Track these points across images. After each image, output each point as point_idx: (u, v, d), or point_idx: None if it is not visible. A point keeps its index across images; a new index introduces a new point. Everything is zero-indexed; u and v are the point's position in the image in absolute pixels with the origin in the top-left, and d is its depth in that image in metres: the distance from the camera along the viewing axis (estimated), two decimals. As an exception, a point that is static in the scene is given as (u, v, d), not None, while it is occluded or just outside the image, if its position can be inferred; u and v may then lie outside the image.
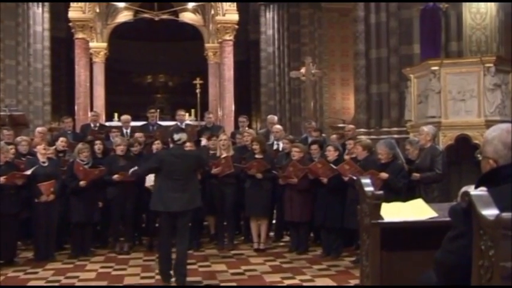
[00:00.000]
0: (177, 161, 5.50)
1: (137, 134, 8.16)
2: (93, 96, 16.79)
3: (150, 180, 6.30)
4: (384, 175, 6.01)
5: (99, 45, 18.13)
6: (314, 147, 7.07)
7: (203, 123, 11.52)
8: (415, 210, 3.60)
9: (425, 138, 6.49)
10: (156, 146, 7.37)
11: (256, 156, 7.16)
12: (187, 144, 6.69)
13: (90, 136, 8.54)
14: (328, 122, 16.86)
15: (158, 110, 14.14)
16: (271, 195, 7.23)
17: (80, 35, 15.90)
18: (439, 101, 7.85)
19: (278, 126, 8.74)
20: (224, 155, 7.15)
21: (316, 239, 7.51)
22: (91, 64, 16.98)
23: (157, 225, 6.70)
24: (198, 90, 16.41)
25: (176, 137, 5.65)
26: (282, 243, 7.63)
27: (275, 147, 8.31)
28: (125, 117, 9.60)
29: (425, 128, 6.59)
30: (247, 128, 8.99)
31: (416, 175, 6.36)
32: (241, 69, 20.09)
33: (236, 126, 12.01)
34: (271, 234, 7.85)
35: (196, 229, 7.44)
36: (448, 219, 2.19)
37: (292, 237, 7.22)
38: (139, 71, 24.08)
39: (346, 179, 6.26)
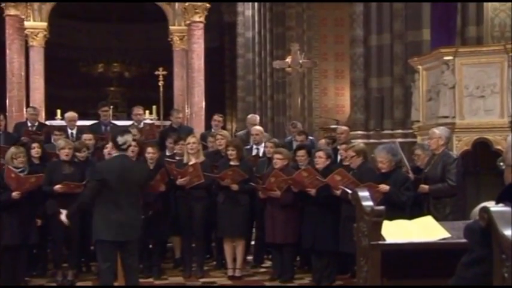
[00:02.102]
0: (121, 174, 5.39)
1: (85, 136, 8.09)
2: (30, 89, 16.53)
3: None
4: (385, 187, 6.05)
5: (36, 25, 17.77)
6: (301, 153, 7.09)
7: (167, 123, 11.45)
8: (423, 230, 3.63)
9: (437, 143, 6.55)
10: (109, 150, 7.29)
11: (232, 163, 7.14)
12: (131, 147, 6.60)
13: (24, 137, 8.41)
14: (318, 122, 16.93)
15: (111, 107, 14.04)
16: (249, 211, 7.22)
17: (11, 11, 15.53)
18: (453, 98, 7.92)
19: (258, 128, 8.75)
20: (192, 161, 7.12)
21: (303, 265, 7.52)
22: (27, 48, 16.69)
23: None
24: (160, 83, 16.28)
25: (120, 140, 5.49)
26: (262, 270, 7.63)
27: (254, 152, 8.31)
28: (70, 114, 9.51)
29: (437, 131, 6.65)
30: (224, 131, 8.97)
31: (424, 187, 6.42)
32: (213, 58, 20.07)
33: (207, 127, 11.98)
34: (249, 258, 7.84)
35: (158, 253, 7.39)
36: (463, 240, 2.21)
37: (275, 262, 7.22)
38: (88, 58, 23.85)
39: (337, 192, 6.27)
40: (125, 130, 5.79)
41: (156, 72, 16.71)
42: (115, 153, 5.62)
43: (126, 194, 5.41)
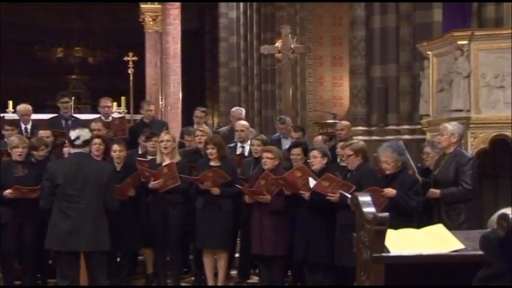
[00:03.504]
0: (76, 174, 5.41)
1: (42, 132, 8.03)
2: (-23, 77, 16.41)
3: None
4: (391, 191, 6.07)
5: (-15, 3, 17.72)
6: (296, 151, 7.08)
7: (138, 116, 11.40)
8: (433, 240, 3.64)
9: (448, 140, 6.57)
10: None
11: (212, 163, 7.14)
12: (96, 145, 6.60)
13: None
14: (312, 117, 16.94)
15: (73, 98, 13.92)
16: (232, 218, 7.22)
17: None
18: (468, 88, 7.96)
19: (243, 123, 8.75)
20: (167, 161, 7.11)
21: (295, 280, 7.52)
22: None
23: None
24: (130, 71, 16.19)
25: (73, 135, 5.54)
26: (247, 286, 7.62)
27: (239, 151, 8.30)
28: (23, 107, 9.43)
29: (449, 126, 6.67)
30: (204, 126, 8.96)
31: (435, 191, 6.44)
32: (191, 42, 20.03)
33: (185, 122, 11.94)
34: (233, 273, 7.84)
35: (127, 267, 7.36)
36: (479, 252, 2.22)
37: (263, 278, 7.21)
38: (45, 41, 23.74)
39: (333, 199, 6.26)
40: (78, 124, 5.81)
41: (125, 58, 16.63)
42: (73, 150, 5.62)
43: (83, 197, 5.42)
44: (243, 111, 10.08)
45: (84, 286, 5.79)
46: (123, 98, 16.61)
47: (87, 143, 5.69)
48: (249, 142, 8.30)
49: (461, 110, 7.93)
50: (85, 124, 6.89)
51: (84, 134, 5.61)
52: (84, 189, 5.45)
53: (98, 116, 9.56)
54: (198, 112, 9.22)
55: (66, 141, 7.29)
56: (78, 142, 5.54)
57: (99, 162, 6.47)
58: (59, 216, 5.39)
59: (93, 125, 8.04)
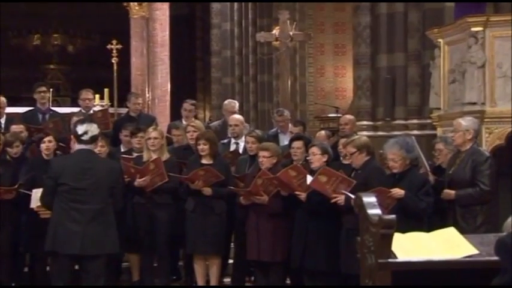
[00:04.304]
0: (83, 172, 5.49)
1: (15, 127, 8.02)
2: None
3: (37, 198, 6.22)
4: (399, 191, 6.08)
5: None
6: (297, 144, 7.08)
7: (123, 110, 11.39)
8: (444, 245, 3.65)
9: (463, 138, 6.57)
10: (47, 145, 7.26)
11: (204, 161, 7.14)
12: (100, 144, 6.66)
13: None
14: (313, 110, 16.97)
15: (51, 89, 13.92)
16: (226, 221, 7.23)
17: None
18: (483, 79, 7.95)
19: (237, 117, 8.75)
20: (154, 158, 7.11)
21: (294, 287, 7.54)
22: None
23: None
24: (114, 60, 16.19)
25: (81, 129, 5.59)
26: (242, 295, 7.64)
27: (233, 147, 8.31)
28: (-3, 99, 9.43)
29: (463, 122, 6.67)
30: (194, 120, 8.96)
31: (450, 192, 6.45)
32: (181, 29, 20.02)
33: (173, 116, 11.94)
34: (227, 280, 7.84)
35: (112, 274, 7.36)
36: (494, 258, 2.23)
37: (259, 285, 7.23)
38: (21, 27, 23.69)
39: (339, 201, 6.25)
40: (86, 118, 5.87)
41: (109, 46, 16.61)
42: (78, 146, 5.69)
43: (90, 198, 5.50)
44: (237, 104, 10.08)
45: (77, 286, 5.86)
46: (106, 90, 16.60)
47: (94, 139, 5.72)
48: (243, 138, 8.30)
49: (475, 103, 7.93)
50: (86, 117, 6.91)
51: (93, 129, 5.64)
52: (92, 189, 5.53)
53: (78, 109, 9.56)
54: (187, 105, 9.22)
55: (46, 136, 7.33)
56: (85, 138, 5.59)
57: (107, 161, 6.53)
58: (62, 217, 5.45)
59: (74, 119, 8.03)
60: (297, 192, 6.60)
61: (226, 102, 10.20)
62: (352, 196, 5.59)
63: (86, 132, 5.62)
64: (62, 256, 5.56)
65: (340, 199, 6.22)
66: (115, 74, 15.80)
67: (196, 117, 9.54)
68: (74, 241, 5.48)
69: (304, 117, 15.77)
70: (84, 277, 5.62)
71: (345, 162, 6.86)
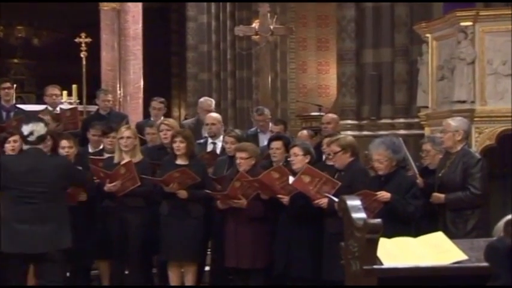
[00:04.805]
0: (30, 172, 5.58)
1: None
2: None
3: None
4: (385, 195, 6.10)
5: None
6: (276, 145, 7.10)
7: (93, 108, 11.34)
8: (432, 250, 3.68)
9: (453, 139, 6.60)
10: (12, 145, 7.22)
11: (179, 162, 7.14)
12: (68, 144, 6.75)
13: None
14: (294, 108, 16.98)
15: (15, 85, 13.78)
16: (202, 226, 7.22)
17: None
18: (472, 76, 8.00)
19: (214, 115, 8.75)
20: (126, 160, 7.10)
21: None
22: None
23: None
24: (83, 54, 16.07)
25: (26, 130, 5.70)
26: (219, 305, 7.64)
27: (210, 148, 8.30)
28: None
29: (452, 122, 6.71)
30: (162, 118, 8.94)
31: (439, 196, 6.50)
32: (155, 22, 19.95)
33: (147, 114, 11.90)
34: (203, 289, 7.85)
35: (80, 282, 7.33)
36: (484, 264, 2.25)
37: (237, 294, 7.24)
38: (-18, 19, 23.48)
39: (321, 203, 6.28)
40: (32, 117, 5.92)
41: (77, 40, 16.52)
42: (25, 147, 5.79)
43: (35, 195, 5.60)
44: (213, 102, 10.07)
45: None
46: (74, 86, 16.48)
47: (41, 139, 5.80)
48: (221, 138, 8.30)
49: (464, 102, 7.97)
50: (34, 116, 6.89)
51: (39, 129, 5.71)
52: (40, 188, 5.65)
53: (44, 106, 9.51)
54: (156, 103, 9.22)
55: (10, 136, 7.28)
56: (31, 138, 5.67)
57: (55, 158, 6.57)
58: (10, 217, 5.58)
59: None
60: (279, 196, 6.61)
61: (201, 99, 10.19)
62: (336, 199, 5.61)
63: (31, 133, 5.70)
64: (13, 256, 5.66)
65: (323, 202, 6.24)
66: (84, 70, 15.69)
67: (168, 116, 9.52)
68: (23, 240, 5.59)
69: (285, 115, 15.78)
70: (39, 276, 5.69)
71: (329, 163, 6.87)
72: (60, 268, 5.98)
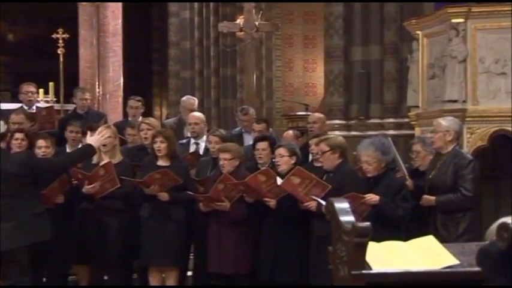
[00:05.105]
0: None
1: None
2: None
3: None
4: (373, 197, 6.11)
5: None
6: (262, 145, 7.10)
7: (70, 107, 11.31)
8: (423, 255, 3.69)
9: (443, 139, 6.62)
10: (19, 142, 7.26)
11: (161, 163, 7.13)
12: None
13: None
14: (280, 108, 16.98)
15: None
16: (184, 229, 7.22)
17: None
18: (464, 75, 8.02)
19: (197, 115, 8.74)
20: (105, 160, 7.08)
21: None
22: None
23: None
24: (60, 51, 16.04)
25: None
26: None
27: (193, 148, 8.30)
28: None
29: (443, 122, 6.73)
30: (141, 118, 8.93)
31: (429, 198, 6.52)
32: (135, 17, 19.91)
33: (126, 114, 11.88)
34: (185, 295, 7.84)
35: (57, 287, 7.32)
36: (476, 269, 2.25)
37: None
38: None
39: (310, 206, 6.29)
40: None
41: (54, 35, 16.48)
42: None
43: None
44: (196, 101, 10.07)
45: None
46: (51, 84, 16.44)
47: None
48: (204, 138, 8.29)
49: (455, 101, 7.98)
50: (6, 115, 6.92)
51: None
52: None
53: (20, 105, 9.48)
54: (133, 102, 9.21)
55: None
56: None
57: (13, 155, 6.60)
58: None
59: (14, 117, 7.96)
60: (266, 199, 6.60)
61: (184, 98, 10.18)
62: (324, 202, 5.61)
63: None
64: None
65: (312, 205, 6.25)
66: (61, 67, 15.66)
67: (146, 115, 9.50)
68: None
69: (270, 115, 15.79)
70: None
71: (317, 164, 6.87)
72: (22, 268, 5.99)
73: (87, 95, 9.76)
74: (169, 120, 10.67)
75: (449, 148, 6.61)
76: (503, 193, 8.04)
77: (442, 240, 4.15)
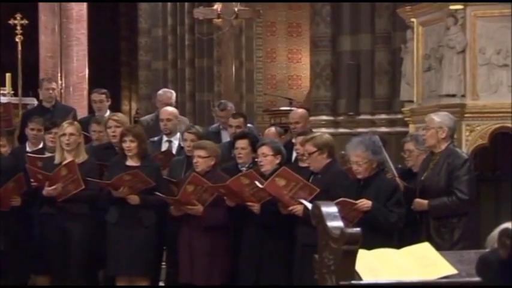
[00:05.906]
0: None
1: None
2: None
3: None
4: (366, 203, 6.11)
5: None
6: (242, 144, 7.11)
7: (30, 100, 11.27)
8: (418, 264, 3.71)
9: (436, 137, 6.64)
10: (52, 136, 7.30)
11: (130, 163, 7.13)
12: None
13: None
14: (262, 102, 16.99)
15: None
16: (155, 236, 7.22)
17: None
18: (463, 67, 8.06)
19: (170, 110, 8.74)
20: (68, 160, 7.06)
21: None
22: None
23: None
24: (18, 38, 15.98)
25: None
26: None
27: (165, 147, 8.29)
28: None
29: (436, 118, 6.75)
30: (109, 112, 8.91)
31: (421, 202, 6.53)
32: (101, 2, 19.86)
33: (92, 109, 11.87)
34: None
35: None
36: (475, 279, 2.27)
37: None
38: None
39: (296, 211, 6.30)
40: None
41: (11, 21, 16.41)
42: None
43: None
44: (173, 94, 10.08)
45: None
46: (8, 75, 16.37)
47: None
48: (177, 135, 8.29)
49: (454, 95, 8.01)
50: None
51: None
52: None
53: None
54: (96, 95, 9.20)
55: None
56: None
57: None
58: None
59: None
60: (249, 204, 6.60)
61: (160, 92, 10.16)
62: (309, 205, 5.62)
63: None
64: None
65: (298, 210, 6.25)
66: (19, 56, 15.58)
67: (118, 110, 9.49)
68: None
69: (251, 110, 15.80)
70: None
71: (302, 164, 6.87)
72: None
73: (54, 85, 9.72)
74: (146, 117, 10.62)
75: (443, 146, 6.61)
76: (504, 196, 8.06)
77: (436, 247, 4.15)
